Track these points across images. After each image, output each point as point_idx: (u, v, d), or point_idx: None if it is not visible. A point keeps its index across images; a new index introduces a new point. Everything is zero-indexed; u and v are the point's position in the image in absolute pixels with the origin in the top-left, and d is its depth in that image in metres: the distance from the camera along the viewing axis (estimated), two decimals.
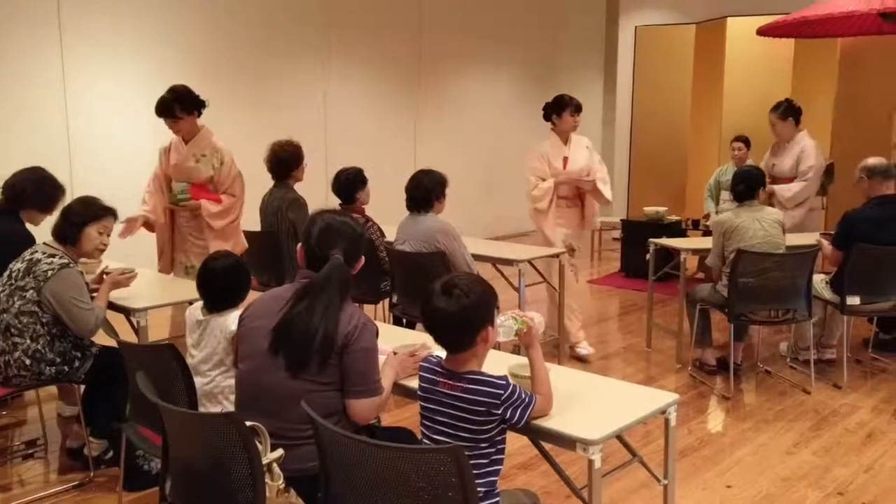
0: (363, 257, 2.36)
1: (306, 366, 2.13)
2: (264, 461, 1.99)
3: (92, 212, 3.30)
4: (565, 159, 5.06)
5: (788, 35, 6.60)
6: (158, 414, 2.16)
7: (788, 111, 5.65)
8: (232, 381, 2.65)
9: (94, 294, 3.37)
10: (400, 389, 2.43)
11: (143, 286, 3.95)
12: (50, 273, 3.15)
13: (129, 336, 3.19)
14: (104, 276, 3.50)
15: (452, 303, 1.98)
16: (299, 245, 2.33)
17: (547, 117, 5.08)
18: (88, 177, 6.57)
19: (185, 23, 7.15)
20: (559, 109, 5.01)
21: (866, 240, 4.33)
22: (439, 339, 2.05)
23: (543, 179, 5.05)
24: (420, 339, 2.64)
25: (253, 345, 2.22)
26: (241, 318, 2.34)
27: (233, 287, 2.75)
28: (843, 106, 6.75)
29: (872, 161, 4.50)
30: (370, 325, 2.21)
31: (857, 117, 6.65)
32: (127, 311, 3.41)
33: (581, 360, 5.01)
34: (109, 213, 3.36)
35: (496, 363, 2.31)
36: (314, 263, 2.24)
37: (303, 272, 2.29)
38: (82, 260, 3.43)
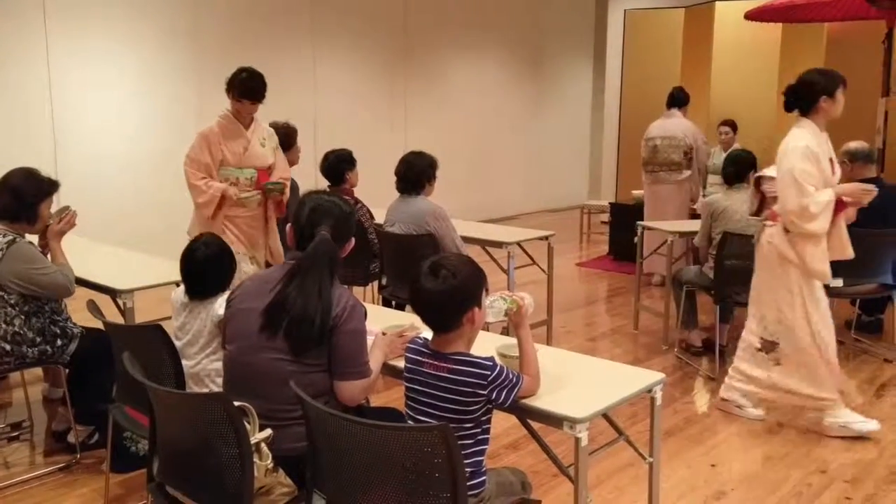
0: (353, 238, 2.36)
1: (310, 348, 2.13)
2: (252, 441, 2.00)
3: (45, 190, 3.25)
4: (831, 161, 3.60)
5: (776, 19, 6.62)
6: (145, 394, 2.16)
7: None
8: (218, 364, 2.65)
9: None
10: (389, 370, 2.43)
11: (130, 267, 3.94)
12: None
13: (115, 318, 3.18)
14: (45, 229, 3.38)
15: (439, 283, 1.98)
16: (289, 226, 2.33)
17: (806, 101, 3.60)
18: (72, 157, 6.53)
19: (171, 6, 7.07)
20: (831, 88, 3.56)
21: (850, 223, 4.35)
22: (426, 319, 2.06)
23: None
24: (409, 321, 2.65)
25: (241, 326, 2.22)
26: (229, 300, 2.33)
27: (215, 274, 2.73)
28: None
29: (854, 145, 4.52)
30: (359, 307, 2.22)
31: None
32: (113, 293, 3.40)
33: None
34: (56, 186, 3.31)
35: (486, 344, 2.32)
36: (303, 243, 2.24)
37: (292, 253, 2.29)
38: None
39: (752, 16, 6.43)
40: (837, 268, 4.41)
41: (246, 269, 4.07)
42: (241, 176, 4.16)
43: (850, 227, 4.32)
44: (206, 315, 2.67)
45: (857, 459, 3.40)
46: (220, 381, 2.58)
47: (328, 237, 2.20)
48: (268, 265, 4.25)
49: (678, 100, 6.42)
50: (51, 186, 3.28)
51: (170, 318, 2.82)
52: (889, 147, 6.03)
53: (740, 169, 4.52)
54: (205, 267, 2.71)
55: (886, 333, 5.05)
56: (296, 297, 2.14)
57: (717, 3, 7.33)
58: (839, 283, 4.46)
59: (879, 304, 5.15)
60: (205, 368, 2.68)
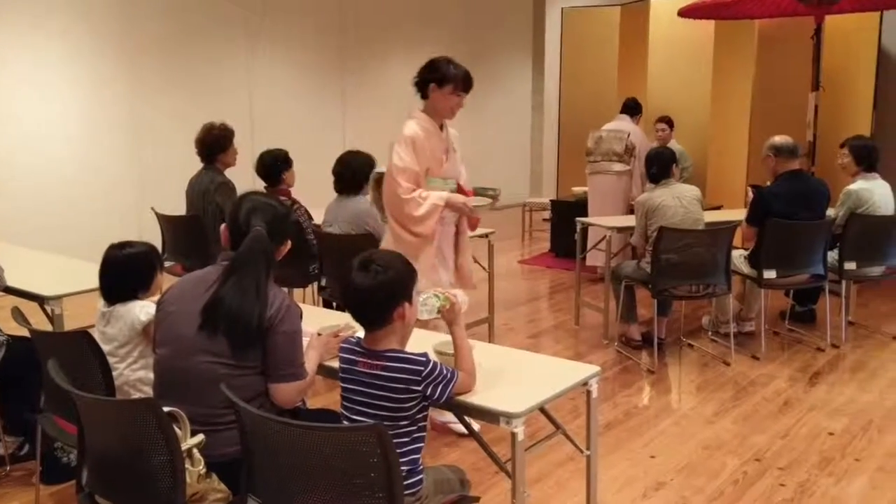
0: (289, 240, 2.32)
1: (249, 346, 2.09)
2: (184, 447, 1.95)
3: None
4: None
5: (708, 17, 6.76)
6: (73, 403, 2.10)
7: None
8: (142, 373, 2.60)
9: None
10: (327, 371, 2.40)
11: (59, 273, 3.82)
12: None
13: (44, 326, 3.07)
14: None
15: (369, 278, 1.98)
16: (223, 226, 2.29)
17: None
18: (1, 162, 6.32)
19: (103, 7, 6.88)
20: None
21: (780, 215, 4.48)
22: (356, 315, 2.05)
23: None
24: (345, 320, 2.62)
25: (174, 329, 2.17)
26: (159, 303, 2.28)
27: (125, 277, 2.67)
28: (761, 85, 6.96)
29: (779, 140, 4.65)
30: (294, 308, 2.19)
31: (774, 96, 6.86)
32: (41, 299, 3.29)
33: None
34: None
35: (423, 342, 2.31)
36: (238, 241, 2.20)
37: (225, 253, 2.24)
38: None
39: (685, 13, 6.56)
40: (771, 260, 4.56)
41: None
42: (445, 188, 3.47)
43: (779, 220, 4.46)
44: (125, 323, 2.60)
45: (790, 447, 3.49)
46: (146, 389, 2.53)
47: (263, 233, 2.18)
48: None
49: (629, 108, 6.66)
50: None
51: None
52: (819, 140, 6.22)
53: (662, 166, 4.62)
54: (113, 270, 2.66)
55: (819, 323, 5.20)
56: (233, 296, 2.10)
57: (651, 0, 7.45)
58: (773, 274, 4.59)
59: (812, 295, 5.30)
60: (129, 379, 2.61)
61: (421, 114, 3.48)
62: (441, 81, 3.42)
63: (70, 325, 3.30)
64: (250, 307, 2.09)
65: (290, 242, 2.32)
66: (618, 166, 6.41)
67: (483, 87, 10.93)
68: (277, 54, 8.42)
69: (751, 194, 4.76)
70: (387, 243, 3.61)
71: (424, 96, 3.48)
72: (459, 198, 3.44)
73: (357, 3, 9.19)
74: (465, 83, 3.45)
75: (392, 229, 3.45)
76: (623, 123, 6.52)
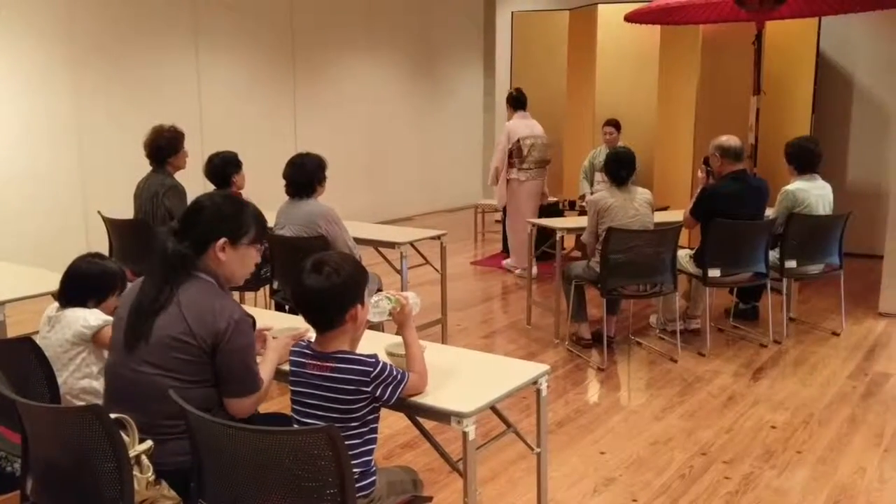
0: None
1: (194, 362, 2.04)
2: (132, 454, 1.93)
3: None
4: None
5: (654, 22, 6.89)
6: (17, 411, 2.06)
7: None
8: (85, 382, 2.56)
9: None
10: (283, 376, 2.39)
11: (2, 278, 3.73)
12: None
13: None
14: None
15: (322, 280, 1.98)
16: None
17: None
18: None
19: (45, 6, 6.72)
20: None
21: (725, 213, 4.59)
22: (308, 317, 2.05)
23: None
24: (299, 323, 2.61)
25: (116, 336, 2.15)
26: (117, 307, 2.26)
27: (89, 288, 2.65)
28: (705, 89, 7.12)
29: (726, 141, 4.73)
30: (244, 320, 2.12)
31: (717, 99, 7.03)
32: None
33: None
34: None
35: (376, 343, 2.32)
36: None
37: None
38: None
39: (631, 18, 6.67)
40: (715, 259, 4.67)
41: None
42: None
43: (724, 218, 4.58)
44: (69, 328, 2.56)
45: (735, 441, 3.59)
46: (90, 399, 2.51)
47: (165, 237, 2.13)
48: None
49: (523, 103, 6.79)
50: None
51: None
52: (760, 142, 6.39)
53: (630, 170, 4.64)
54: (80, 276, 2.65)
55: (762, 320, 5.33)
56: (145, 303, 2.08)
57: (599, 5, 7.57)
58: (717, 273, 4.70)
59: (755, 292, 5.44)
60: (72, 388, 2.57)
61: None
62: None
63: (13, 331, 3.23)
64: (157, 300, 2.05)
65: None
66: (545, 172, 6.80)
67: (434, 88, 11.07)
68: (226, 55, 8.31)
69: (700, 174, 4.84)
70: None
71: None
72: None
73: (307, 5, 9.13)
74: None
75: None
76: (533, 123, 6.72)
